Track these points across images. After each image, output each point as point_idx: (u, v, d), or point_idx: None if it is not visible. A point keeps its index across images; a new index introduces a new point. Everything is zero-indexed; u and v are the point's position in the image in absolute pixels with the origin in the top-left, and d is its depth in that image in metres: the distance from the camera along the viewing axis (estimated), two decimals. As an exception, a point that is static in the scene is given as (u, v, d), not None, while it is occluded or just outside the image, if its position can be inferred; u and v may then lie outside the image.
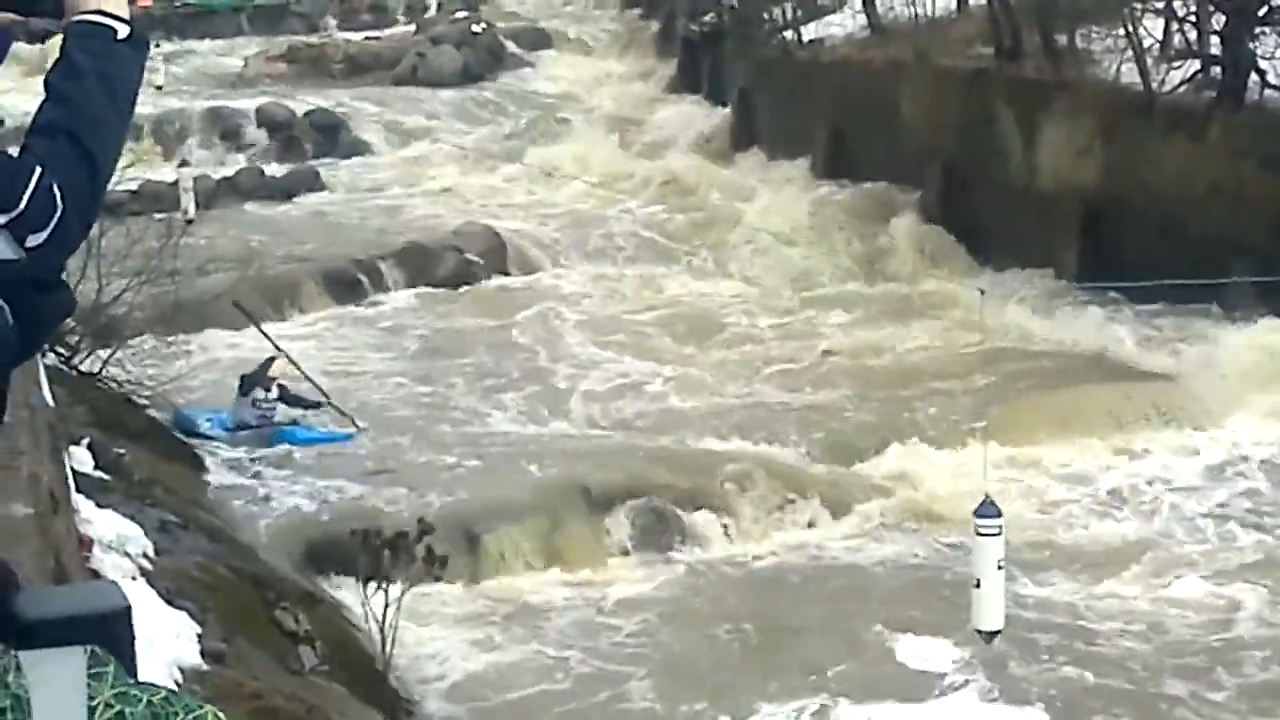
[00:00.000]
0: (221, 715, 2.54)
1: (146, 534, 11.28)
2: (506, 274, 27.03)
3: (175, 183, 29.21)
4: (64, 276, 2.55)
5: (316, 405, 19.36)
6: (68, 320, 16.50)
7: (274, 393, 19.00)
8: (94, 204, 2.51)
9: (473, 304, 25.08)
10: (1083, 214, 23.82)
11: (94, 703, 2.29)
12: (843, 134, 29.41)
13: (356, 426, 19.01)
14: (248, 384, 19.02)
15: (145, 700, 2.35)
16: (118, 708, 2.31)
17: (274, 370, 19.16)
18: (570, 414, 19.79)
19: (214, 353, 22.19)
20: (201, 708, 2.48)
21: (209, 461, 17.79)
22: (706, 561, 16.28)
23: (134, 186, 27.25)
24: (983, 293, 18.23)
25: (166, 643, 9.41)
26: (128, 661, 2.44)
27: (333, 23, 53.61)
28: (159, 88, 34.26)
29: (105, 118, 2.54)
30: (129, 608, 2.36)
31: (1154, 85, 23.31)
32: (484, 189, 32.25)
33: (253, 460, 18.09)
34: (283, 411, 19.05)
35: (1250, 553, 16.07)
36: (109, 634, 2.32)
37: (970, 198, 25.91)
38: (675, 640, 14.56)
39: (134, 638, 2.37)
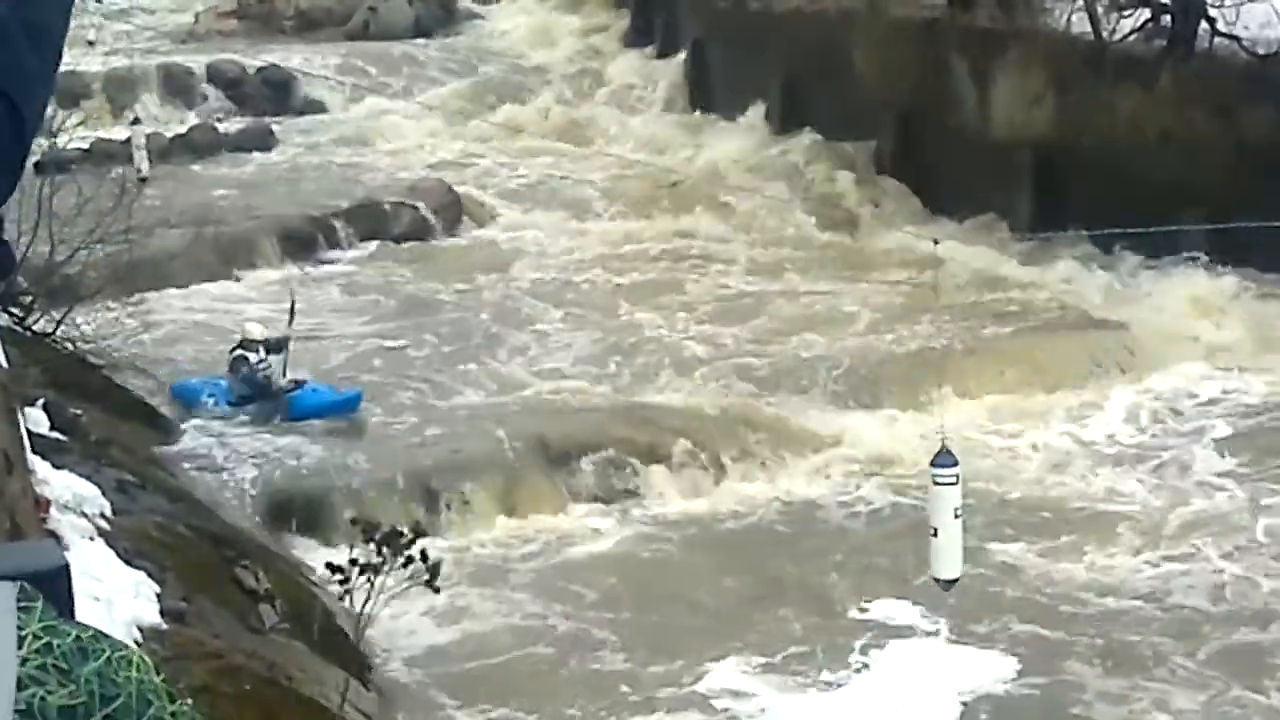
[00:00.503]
0: (147, 659, 2.54)
1: (104, 494, 11.24)
2: (462, 229, 26.93)
3: (127, 141, 28.98)
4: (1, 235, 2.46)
5: (283, 342, 18.68)
6: (19, 280, 16.41)
7: (262, 354, 18.38)
8: (18, 159, 2.40)
9: (428, 260, 24.99)
10: (1035, 163, 23.87)
11: (22, 633, 2.28)
12: (796, 85, 29.35)
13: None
14: (238, 358, 18.29)
15: (74, 635, 2.34)
16: (45, 639, 2.30)
17: (255, 334, 18.48)
18: (526, 369, 19.75)
19: (170, 312, 22.07)
20: (127, 648, 2.48)
21: (168, 421, 17.70)
22: (665, 514, 16.29)
23: (86, 145, 27.00)
24: (936, 242, 18.18)
25: (125, 602, 9.39)
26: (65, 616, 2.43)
27: (283, -22, 53.11)
28: (90, 43, 33.85)
29: (29, 69, 2.42)
30: (66, 565, 2.34)
31: (1105, 34, 23.36)
32: (439, 145, 32.08)
33: (214, 419, 17.98)
34: (275, 364, 18.33)
35: (1203, 501, 16.16)
36: (46, 591, 2.30)
37: (924, 148, 25.93)
38: (635, 594, 14.58)
39: (72, 596, 2.36)
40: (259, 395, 18.19)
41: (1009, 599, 14.18)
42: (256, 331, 18.51)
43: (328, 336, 21.39)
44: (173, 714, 2.66)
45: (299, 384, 18.44)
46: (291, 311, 19.01)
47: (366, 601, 10.88)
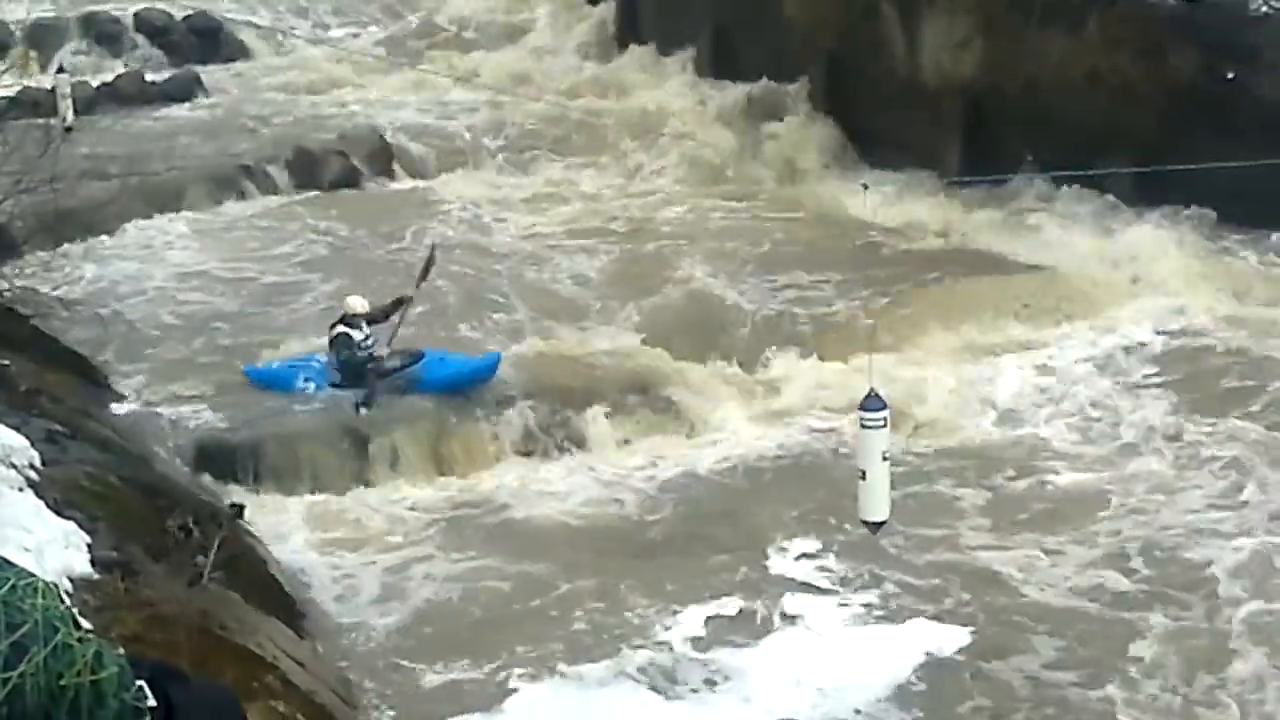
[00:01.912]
0: (54, 587, 2.56)
1: (33, 444, 11.16)
2: (392, 178, 26.79)
3: (53, 90, 28.62)
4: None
5: (399, 304, 17.34)
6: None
7: (366, 329, 16.89)
8: None
9: (357, 208, 24.82)
10: (964, 107, 23.91)
11: None
12: (726, 31, 29.27)
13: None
14: (340, 337, 16.83)
15: None
16: None
17: (357, 307, 16.94)
18: (454, 319, 19.66)
19: (99, 262, 21.90)
20: (33, 576, 2.49)
21: (98, 371, 17.57)
22: (596, 463, 16.30)
23: (10, 94, 26.70)
24: (866, 188, 18.28)
25: (55, 552, 9.35)
26: None
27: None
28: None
29: None
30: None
31: (1033, -22, 23.39)
32: (369, 92, 31.82)
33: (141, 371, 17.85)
34: (382, 335, 16.98)
35: (1130, 442, 16.30)
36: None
37: (853, 94, 25.92)
38: (567, 545, 14.57)
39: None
40: (363, 376, 16.72)
41: (936, 543, 14.28)
42: (359, 305, 17.01)
43: (250, 279, 21.22)
44: (79, 639, 2.67)
45: (416, 357, 17.01)
46: (427, 266, 17.73)
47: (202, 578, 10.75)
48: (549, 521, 15.04)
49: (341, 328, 16.87)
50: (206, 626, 9.98)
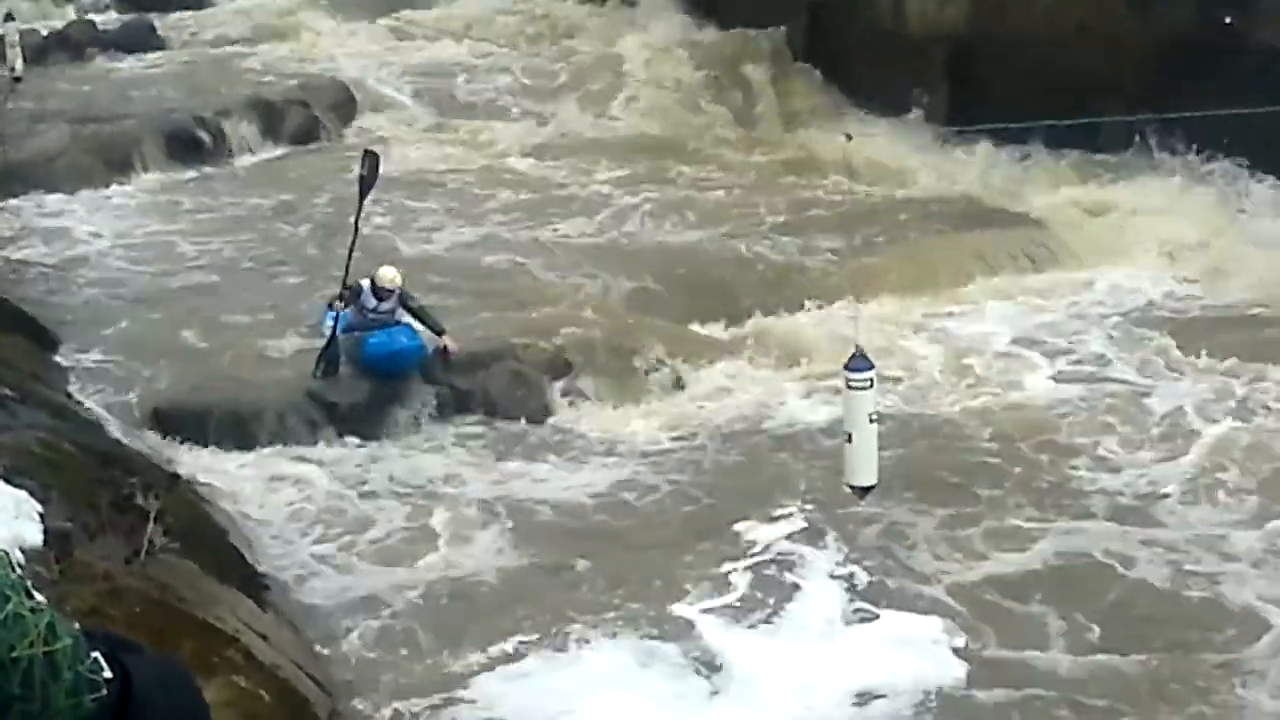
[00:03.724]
0: (5, 555, 2.54)
1: (-19, 410, 11.10)
2: (355, 130, 26.61)
3: (1, 38, 28.41)
4: None
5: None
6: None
7: (391, 303, 16.34)
8: None
9: (320, 161, 24.66)
10: (951, 55, 23.86)
11: None
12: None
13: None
14: (347, 293, 16.35)
15: None
16: None
17: (390, 281, 16.35)
18: (421, 279, 19.54)
19: (49, 218, 21.77)
20: None
21: (52, 334, 17.47)
22: (568, 430, 16.22)
23: (-45, 43, 26.50)
24: (849, 138, 18.22)
25: (6, 522, 9.30)
26: None
27: None
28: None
29: None
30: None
31: (1022, -79, 23.33)
32: (333, 41, 31.60)
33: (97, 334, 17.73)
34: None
35: (1113, 400, 16.31)
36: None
37: (837, 41, 25.83)
38: (544, 524, 14.41)
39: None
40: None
41: (921, 500, 14.26)
42: (389, 277, 16.38)
43: (209, 236, 21.10)
44: (31, 609, 2.64)
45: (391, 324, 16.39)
46: (366, 182, 16.69)
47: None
48: (522, 497, 14.87)
49: (365, 283, 16.36)
50: (164, 599, 9.95)
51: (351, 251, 16.54)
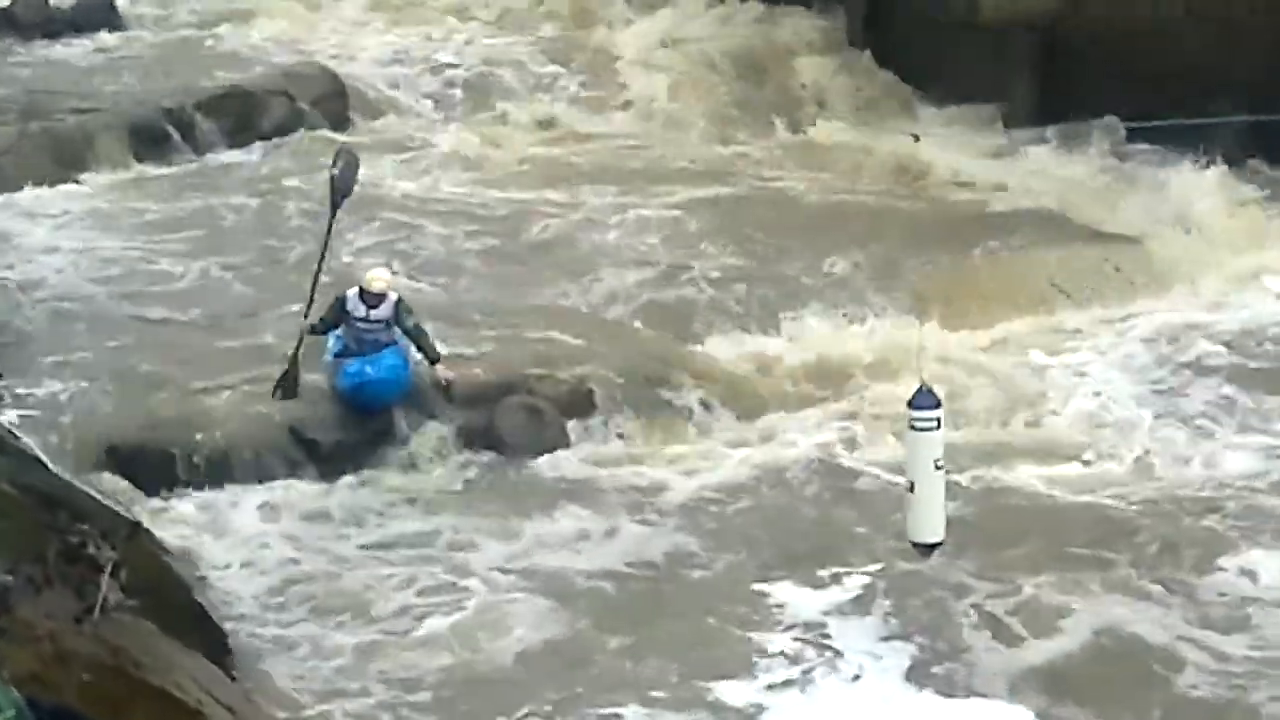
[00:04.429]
0: None
1: (-91, 445, 11.14)
2: (347, 126, 26.64)
3: (-66, 20, 28.60)
4: None
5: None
6: None
7: (384, 310, 16.31)
8: None
9: (305, 160, 24.69)
10: (1034, 45, 23.85)
11: None
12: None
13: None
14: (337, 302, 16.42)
15: None
16: None
17: (378, 284, 16.30)
18: (418, 299, 19.54)
19: None
20: None
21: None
22: (587, 475, 16.16)
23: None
24: (917, 138, 18.23)
25: (-65, 576, 9.31)
26: None
27: None
28: None
29: None
30: None
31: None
32: (320, 25, 31.66)
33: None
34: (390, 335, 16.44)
35: (1236, 460, 16.13)
36: None
37: (901, 27, 25.85)
38: (555, 594, 14.20)
39: None
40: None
41: (993, 580, 14.01)
42: (380, 280, 16.39)
43: (172, 248, 21.13)
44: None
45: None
46: (338, 184, 16.78)
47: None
48: (535, 555, 14.79)
49: (352, 291, 16.35)
50: (117, 665, 9.95)
51: (320, 268, 16.59)
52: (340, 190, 16.77)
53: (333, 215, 16.81)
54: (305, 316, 16.48)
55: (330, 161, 17.11)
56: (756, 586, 14.08)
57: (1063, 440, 16.51)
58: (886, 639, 13.19)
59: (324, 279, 16.70)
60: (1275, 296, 19.30)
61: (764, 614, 13.66)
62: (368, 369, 16.25)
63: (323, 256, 16.63)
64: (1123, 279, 19.73)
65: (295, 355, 16.39)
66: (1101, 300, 19.40)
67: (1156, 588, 13.76)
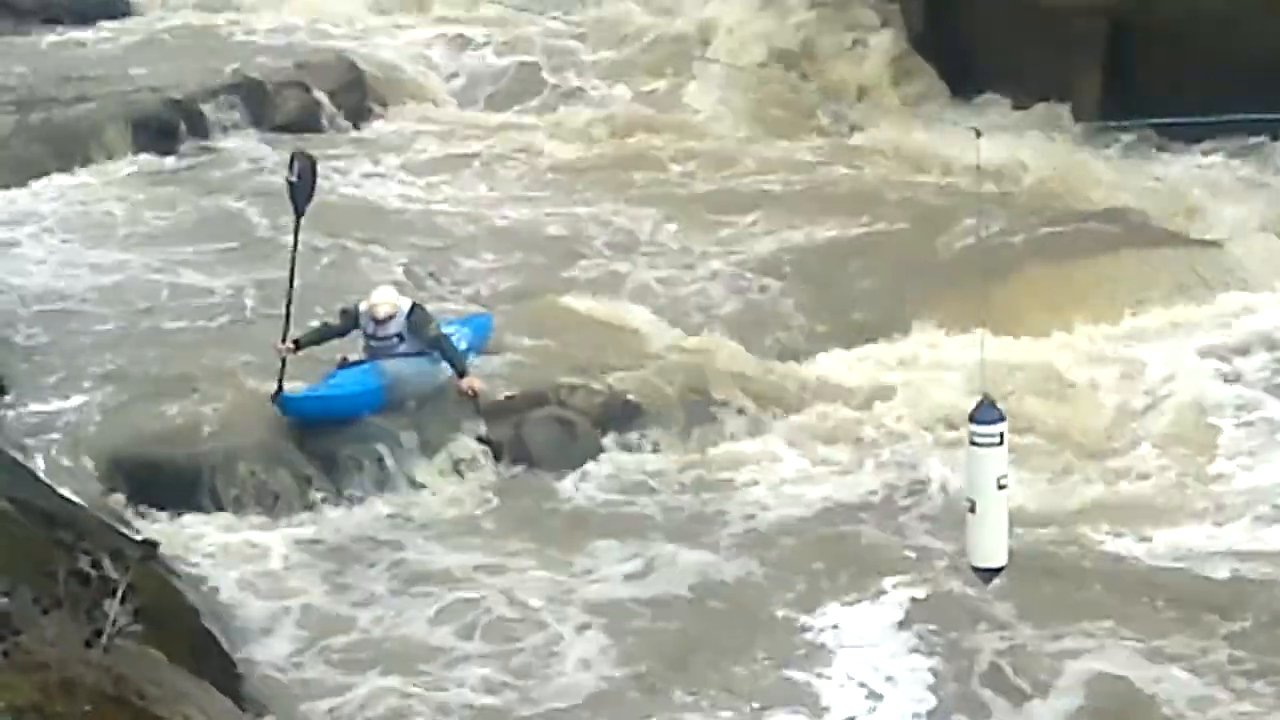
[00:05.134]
0: None
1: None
2: (366, 118, 26.69)
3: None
4: None
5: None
6: None
7: (395, 324, 16.55)
8: None
9: (321, 155, 24.67)
10: (1106, 35, 23.80)
11: None
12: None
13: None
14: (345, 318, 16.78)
15: None
16: None
17: (383, 309, 16.51)
18: (446, 298, 19.62)
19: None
20: None
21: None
22: (623, 495, 16.22)
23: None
24: (979, 134, 18.14)
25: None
26: None
27: None
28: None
29: None
30: None
31: None
32: (339, 13, 31.72)
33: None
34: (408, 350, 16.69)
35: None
36: None
37: (962, 16, 25.82)
38: (597, 624, 14.20)
39: None
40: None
41: (1053, 611, 13.99)
42: (384, 301, 16.66)
43: (181, 248, 21.17)
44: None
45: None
46: (297, 185, 16.78)
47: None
48: (569, 585, 14.78)
49: (363, 304, 16.62)
50: (121, 695, 9.99)
51: (292, 284, 16.62)
52: (300, 197, 16.79)
53: (297, 225, 16.82)
54: (283, 339, 16.49)
55: (286, 166, 17.08)
56: (801, 611, 14.14)
57: (1145, 464, 16.49)
58: (930, 669, 13.28)
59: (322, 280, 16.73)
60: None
61: (808, 640, 13.76)
62: (342, 381, 16.48)
63: (292, 271, 16.66)
64: (1202, 284, 19.66)
65: (280, 376, 16.37)
66: (1181, 306, 19.32)
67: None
